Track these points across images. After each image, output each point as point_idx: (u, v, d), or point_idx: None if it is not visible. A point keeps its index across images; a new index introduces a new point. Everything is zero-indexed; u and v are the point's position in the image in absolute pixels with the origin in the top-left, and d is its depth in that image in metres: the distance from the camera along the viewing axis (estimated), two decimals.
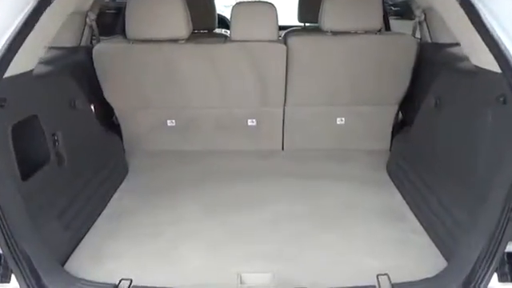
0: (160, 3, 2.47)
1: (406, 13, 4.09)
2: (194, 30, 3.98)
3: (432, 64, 2.56)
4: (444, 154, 2.07)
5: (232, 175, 2.60)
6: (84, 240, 1.94)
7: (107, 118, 2.88)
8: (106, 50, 2.60)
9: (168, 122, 2.89)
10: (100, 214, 2.16)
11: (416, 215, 2.12)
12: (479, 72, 1.78)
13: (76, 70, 2.48)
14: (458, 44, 1.97)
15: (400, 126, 2.97)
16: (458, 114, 1.98)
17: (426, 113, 2.38)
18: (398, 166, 2.58)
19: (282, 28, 3.20)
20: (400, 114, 3.01)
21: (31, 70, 1.86)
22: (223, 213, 2.17)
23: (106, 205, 2.25)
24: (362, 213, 2.17)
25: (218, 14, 4.02)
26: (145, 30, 2.52)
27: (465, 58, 1.91)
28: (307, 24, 4.01)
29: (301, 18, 3.97)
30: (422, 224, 2.04)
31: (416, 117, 2.49)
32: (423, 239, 1.94)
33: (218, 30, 4.19)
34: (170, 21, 2.50)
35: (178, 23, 2.50)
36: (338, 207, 2.22)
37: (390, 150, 2.94)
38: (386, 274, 1.56)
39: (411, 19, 2.86)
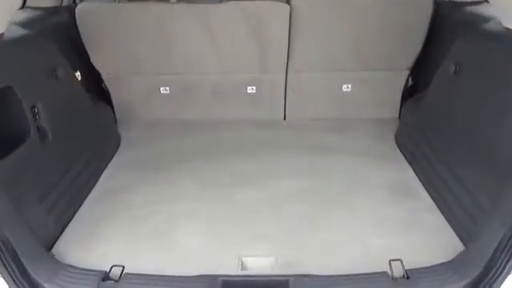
0: None
1: None
2: None
3: (451, 24, 2.32)
4: (464, 126, 1.88)
5: (231, 148, 2.44)
6: (72, 223, 1.80)
7: (95, 85, 2.67)
8: (90, 10, 2.35)
9: (161, 89, 2.69)
10: (89, 194, 2.00)
11: (429, 192, 1.97)
12: None
13: (57, 33, 2.24)
14: (484, 1, 1.74)
15: (410, 93, 2.78)
16: (482, 82, 1.78)
17: (442, 79, 2.17)
18: (408, 137, 2.40)
19: None
20: (410, 80, 2.81)
21: (1, 35, 1.64)
22: (222, 190, 2.02)
23: (95, 183, 2.09)
24: (370, 189, 2.02)
25: None
26: None
27: (492, 19, 1.69)
28: None
29: None
30: (435, 202, 1.89)
31: (431, 84, 2.29)
32: (437, 219, 1.80)
33: None
34: None
35: None
36: (345, 184, 2.07)
37: (399, 119, 2.77)
38: (399, 260, 1.43)
39: None
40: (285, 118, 2.80)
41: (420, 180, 2.08)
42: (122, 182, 2.11)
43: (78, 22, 2.36)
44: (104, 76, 2.62)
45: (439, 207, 1.85)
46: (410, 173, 2.17)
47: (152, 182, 2.09)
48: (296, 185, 2.06)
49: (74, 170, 1.98)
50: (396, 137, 2.55)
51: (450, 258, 1.48)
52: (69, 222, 1.79)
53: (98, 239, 1.69)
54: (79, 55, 2.48)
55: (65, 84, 2.14)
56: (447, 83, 2.11)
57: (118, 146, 2.51)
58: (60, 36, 2.26)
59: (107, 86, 2.66)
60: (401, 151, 2.41)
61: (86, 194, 1.99)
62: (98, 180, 2.12)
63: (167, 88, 2.68)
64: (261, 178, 2.12)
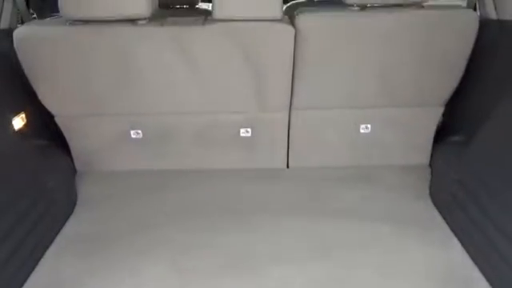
0: None
1: None
2: (170, 5, 3.19)
3: (502, 51, 1.79)
4: None
5: (218, 212, 1.87)
6: None
7: (49, 129, 2.09)
8: (32, 35, 1.78)
9: (132, 132, 2.12)
10: (23, 285, 1.43)
11: (491, 282, 1.40)
12: None
13: None
14: None
15: (441, 133, 2.23)
16: None
17: (501, 123, 1.62)
18: (448, 195, 1.84)
19: None
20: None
21: None
22: (207, 281, 1.45)
23: (33, 267, 1.52)
24: (405, 278, 1.46)
25: None
26: (86, 6, 1.70)
27: None
28: None
29: None
30: None
31: (480, 127, 1.74)
32: None
33: (203, 5, 3.36)
34: None
35: None
36: (369, 270, 1.51)
37: (430, 166, 2.22)
38: None
39: None
40: (288, 166, 2.24)
41: (473, 260, 1.53)
42: (71, 268, 1.54)
43: (17, 51, 1.79)
44: (56, 117, 2.05)
45: None
46: (458, 248, 1.62)
47: (111, 267, 1.52)
48: (307, 273, 1.48)
49: (3, 250, 1.40)
50: (431, 193, 1.99)
51: None
52: None
53: None
54: (24, 90, 1.92)
55: None
56: (509, 129, 1.56)
57: (73, 206, 1.93)
58: None
59: (61, 129, 2.09)
60: (440, 213, 1.86)
61: (20, 285, 1.41)
62: (38, 263, 1.54)
63: (139, 131, 2.11)
64: (259, 260, 1.55)
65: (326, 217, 1.82)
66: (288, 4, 3.23)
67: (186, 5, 3.17)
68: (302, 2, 3.18)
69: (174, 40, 1.81)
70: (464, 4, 2.09)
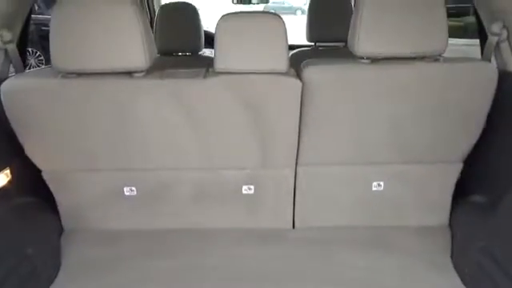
0: (100, 15, 1.57)
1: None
2: (172, 53, 3.13)
3: None
4: None
5: (218, 281, 1.68)
6: None
7: (36, 184, 1.94)
8: (19, 88, 1.67)
9: (125, 189, 1.96)
10: None
11: None
12: None
13: None
14: None
15: (461, 190, 2.06)
16: None
17: None
18: (473, 262, 1.66)
19: None
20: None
21: None
22: None
23: None
24: None
25: (205, 31, 3.13)
26: (80, 58, 1.60)
27: None
28: (320, 45, 3.12)
29: (311, 37, 3.07)
30: None
31: (510, 187, 1.58)
32: None
33: (207, 51, 3.30)
34: (117, 43, 1.58)
35: (132, 47, 1.59)
36: None
37: (450, 226, 2.03)
38: None
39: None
40: (294, 227, 2.05)
41: None
42: None
43: (4, 104, 1.67)
44: (44, 173, 1.90)
45: None
46: None
47: None
48: None
49: None
50: (452, 260, 1.80)
51: None
52: None
53: None
54: (11, 144, 1.79)
55: None
56: None
57: (55, 273, 1.75)
58: None
59: (49, 185, 1.93)
60: (463, 283, 1.67)
61: None
62: None
63: (133, 188, 1.96)
64: None
65: (335, 285, 1.62)
66: (292, 52, 3.17)
67: (188, 52, 3.10)
68: (307, 51, 3.11)
69: (173, 94, 1.69)
70: (479, 56, 1.99)
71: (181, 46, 3.03)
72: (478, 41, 2.09)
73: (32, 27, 2.07)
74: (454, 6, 4.27)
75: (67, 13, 1.57)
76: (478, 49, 2.06)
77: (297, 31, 3.87)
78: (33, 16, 2.12)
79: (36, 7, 7.58)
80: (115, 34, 1.58)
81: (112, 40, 1.58)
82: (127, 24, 1.57)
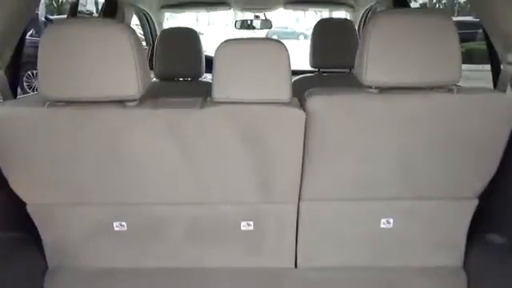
0: (92, 40, 1.48)
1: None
2: (173, 77, 3.05)
3: None
4: None
5: None
6: None
7: (15, 219, 1.81)
8: (3, 116, 1.56)
9: (115, 224, 1.82)
10: None
11: None
12: None
13: None
14: None
15: (476, 229, 1.91)
16: None
17: None
18: None
19: None
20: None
21: None
22: None
23: None
24: None
25: (207, 56, 3.06)
26: (69, 85, 1.50)
27: None
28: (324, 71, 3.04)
29: (314, 62, 2.99)
30: None
31: None
32: None
33: (209, 76, 3.22)
34: (109, 70, 1.49)
35: (124, 74, 1.50)
36: None
37: (465, 267, 1.88)
38: None
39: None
40: (296, 266, 1.90)
41: None
42: None
43: None
44: (29, 206, 1.77)
45: None
46: None
47: None
48: None
49: None
50: None
51: None
52: None
53: None
54: None
55: None
56: None
57: None
58: None
59: (34, 220, 1.80)
60: None
61: None
62: None
63: (123, 223, 1.82)
64: None
65: None
66: (294, 78, 3.09)
67: (189, 77, 3.02)
68: (310, 77, 3.03)
69: (167, 124, 1.58)
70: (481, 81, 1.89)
71: (181, 71, 2.96)
72: (479, 66, 2.00)
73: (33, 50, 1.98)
74: None
75: (57, 37, 1.48)
76: (480, 74, 1.97)
77: (299, 56, 3.81)
78: (34, 39, 2.04)
79: (34, 31, 7.62)
80: (107, 61, 1.49)
81: (103, 67, 1.49)
82: (120, 50, 1.48)
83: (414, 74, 1.55)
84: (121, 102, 1.57)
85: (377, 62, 1.54)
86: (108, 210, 1.80)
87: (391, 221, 1.85)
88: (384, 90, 1.61)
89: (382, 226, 1.86)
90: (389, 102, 1.60)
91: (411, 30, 1.54)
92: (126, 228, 1.83)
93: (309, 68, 3.13)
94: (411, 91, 1.60)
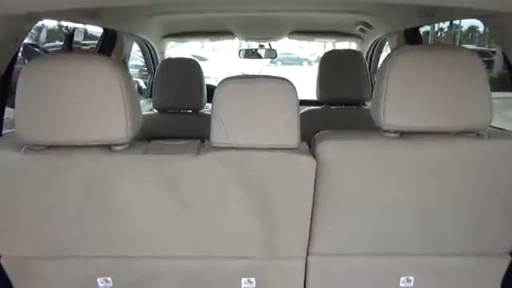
0: (75, 77, 1.31)
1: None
2: (173, 109, 2.89)
3: None
4: None
5: None
6: None
7: None
8: None
9: (99, 280, 1.62)
10: None
11: None
12: None
13: None
14: None
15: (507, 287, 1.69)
16: None
17: None
18: None
19: None
20: None
21: None
22: None
23: None
24: None
25: (208, 85, 2.91)
26: (48, 127, 1.33)
27: None
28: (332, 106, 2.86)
29: (322, 96, 2.83)
30: None
31: None
32: None
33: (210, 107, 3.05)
34: (95, 111, 1.32)
35: (112, 116, 1.33)
36: None
37: None
38: None
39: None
40: None
41: None
42: None
43: None
44: (4, 260, 1.58)
45: None
46: None
47: None
48: None
49: None
50: None
51: None
52: None
53: None
54: None
55: None
56: None
57: None
58: None
59: (8, 274, 1.60)
60: None
61: None
62: None
63: (108, 279, 1.61)
64: None
65: None
66: (301, 111, 2.92)
67: (189, 109, 2.86)
68: (318, 111, 2.86)
69: (159, 171, 1.40)
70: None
71: (181, 102, 2.80)
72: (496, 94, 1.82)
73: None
74: None
75: (37, 74, 1.33)
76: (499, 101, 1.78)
77: (304, 82, 3.68)
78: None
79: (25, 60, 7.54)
80: (93, 101, 1.32)
81: (89, 107, 1.32)
82: (107, 88, 1.32)
83: (439, 116, 1.38)
84: (108, 147, 1.39)
85: (397, 103, 1.37)
86: (92, 264, 1.59)
87: (412, 279, 1.64)
88: (405, 134, 1.43)
89: (402, 284, 1.65)
90: (410, 147, 1.42)
91: (434, 68, 1.37)
92: (111, 284, 1.62)
93: (314, 98, 2.97)
94: (435, 136, 1.42)
